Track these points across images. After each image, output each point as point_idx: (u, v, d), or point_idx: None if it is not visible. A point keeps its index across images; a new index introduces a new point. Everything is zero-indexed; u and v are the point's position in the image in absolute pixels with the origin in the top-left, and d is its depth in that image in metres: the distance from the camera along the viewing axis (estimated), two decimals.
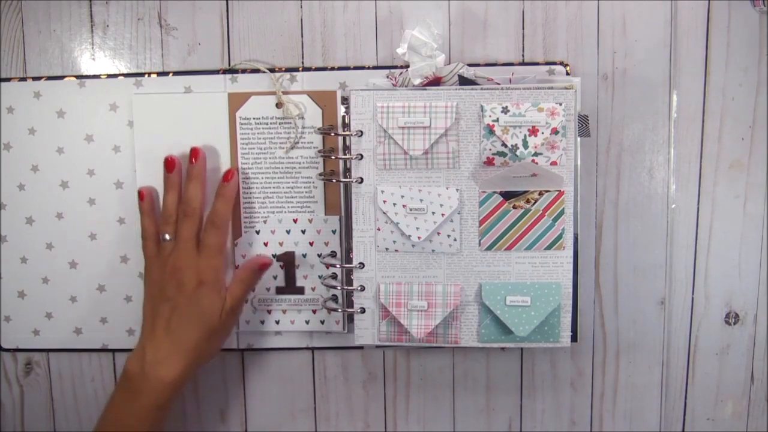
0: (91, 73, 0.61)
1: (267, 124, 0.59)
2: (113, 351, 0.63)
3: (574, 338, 0.58)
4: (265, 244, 0.60)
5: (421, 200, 0.56)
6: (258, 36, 0.60)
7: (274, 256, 0.60)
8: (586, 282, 0.61)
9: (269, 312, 0.61)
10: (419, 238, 0.56)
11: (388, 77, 0.58)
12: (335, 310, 0.59)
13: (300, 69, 0.60)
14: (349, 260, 0.59)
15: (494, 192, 0.56)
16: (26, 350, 0.64)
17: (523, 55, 0.59)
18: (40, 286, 0.62)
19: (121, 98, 0.60)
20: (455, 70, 0.57)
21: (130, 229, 0.61)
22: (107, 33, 0.61)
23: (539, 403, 0.63)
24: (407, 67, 0.57)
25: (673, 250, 0.61)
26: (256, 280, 0.60)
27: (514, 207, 0.56)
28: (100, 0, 0.60)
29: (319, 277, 0.60)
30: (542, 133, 0.55)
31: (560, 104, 0.54)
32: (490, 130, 0.55)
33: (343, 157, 0.57)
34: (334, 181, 0.58)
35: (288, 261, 0.60)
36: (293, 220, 0.60)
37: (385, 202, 0.56)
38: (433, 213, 0.56)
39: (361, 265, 0.58)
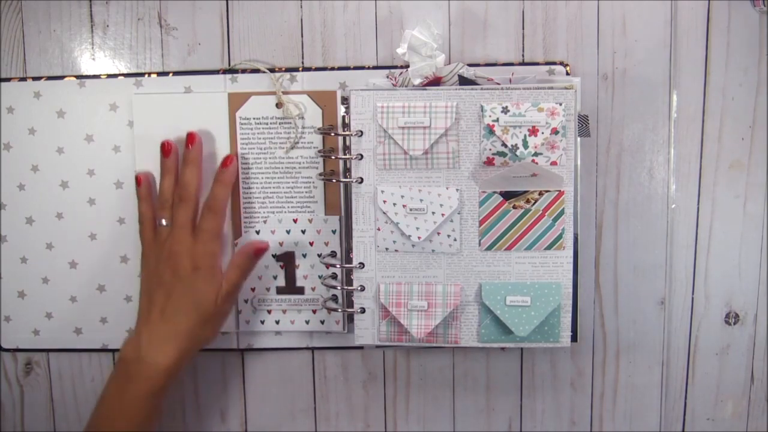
0: (91, 73, 0.61)
1: (267, 124, 0.59)
2: (113, 351, 0.63)
3: (574, 338, 0.58)
4: None
5: (421, 200, 0.56)
6: (258, 36, 0.60)
7: (274, 256, 0.60)
8: (586, 282, 0.61)
9: (269, 312, 0.61)
10: (419, 238, 0.56)
11: (388, 77, 0.58)
12: (335, 310, 0.59)
13: (300, 69, 0.60)
14: (349, 260, 0.59)
15: (494, 192, 0.56)
16: (26, 350, 0.64)
17: (523, 55, 0.59)
18: (40, 286, 0.62)
19: (121, 98, 0.60)
20: (455, 70, 0.57)
21: (130, 229, 0.61)
22: (107, 33, 0.61)
23: (539, 403, 0.63)
24: (407, 67, 0.57)
25: (673, 250, 0.61)
26: (253, 265, 0.58)
27: (514, 207, 0.56)
28: (100, 0, 0.60)
29: (319, 277, 0.60)
30: (542, 133, 0.55)
31: (560, 104, 0.54)
32: (490, 130, 0.55)
33: (343, 157, 0.57)
34: (334, 181, 0.58)
35: (288, 261, 0.60)
36: (293, 220, 0.60)
37: (385, 202, 0.56)
38: (433, 213, 0.56)
39: (361, 265, 0.58)
